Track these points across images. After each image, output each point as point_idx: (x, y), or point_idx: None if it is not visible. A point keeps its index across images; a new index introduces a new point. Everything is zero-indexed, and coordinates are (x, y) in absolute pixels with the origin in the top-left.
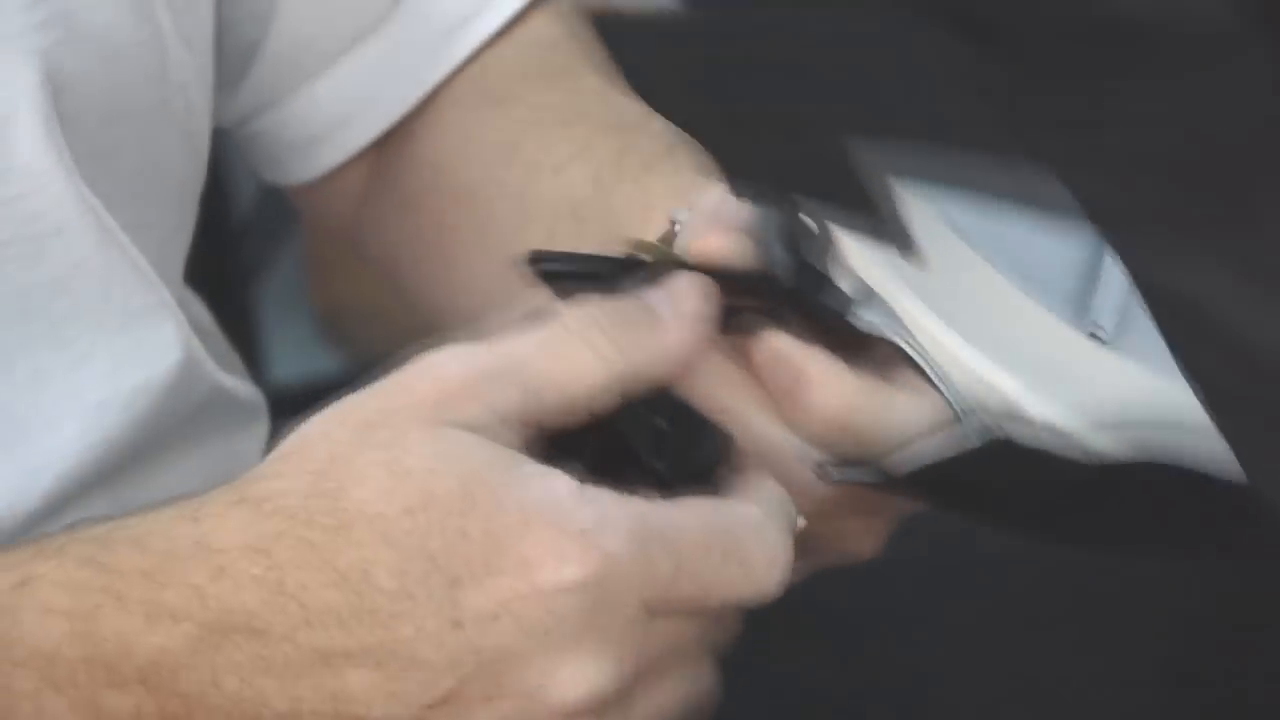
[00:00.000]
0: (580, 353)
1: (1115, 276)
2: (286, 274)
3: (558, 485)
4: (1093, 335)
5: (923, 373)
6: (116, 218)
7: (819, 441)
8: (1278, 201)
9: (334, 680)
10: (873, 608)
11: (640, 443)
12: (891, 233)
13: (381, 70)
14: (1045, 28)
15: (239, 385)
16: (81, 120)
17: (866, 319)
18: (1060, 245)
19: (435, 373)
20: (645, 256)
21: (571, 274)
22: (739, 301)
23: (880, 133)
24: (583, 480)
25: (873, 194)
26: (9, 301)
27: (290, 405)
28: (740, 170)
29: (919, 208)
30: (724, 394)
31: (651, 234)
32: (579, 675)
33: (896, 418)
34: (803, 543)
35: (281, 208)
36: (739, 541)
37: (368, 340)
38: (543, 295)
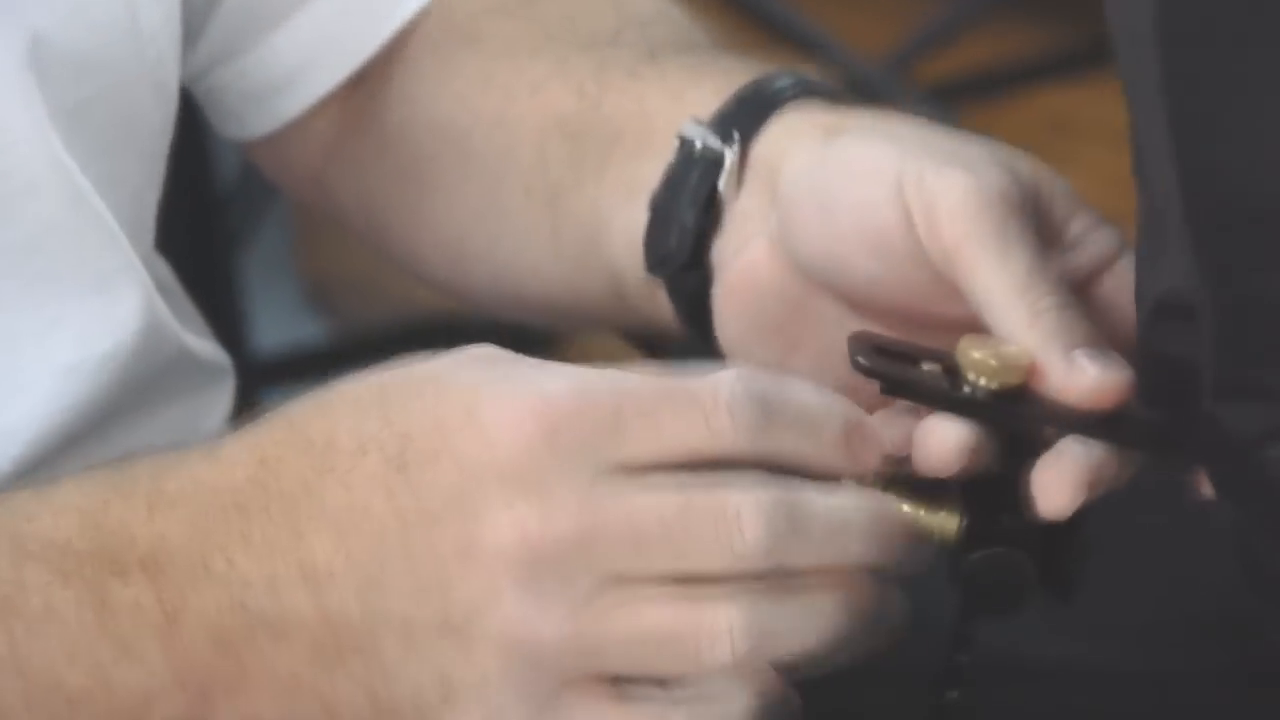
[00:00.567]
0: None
1: None
2: (271, 243)
3: (520, 365)
4: None
5: None
6: (88, 175)
7: None
8: None
9: (300, 548)
10: None
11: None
12: None
13: (340, 18)
14: None
15: (204, 345)
16: (55, 74)
17: None
18: None
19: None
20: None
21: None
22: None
23: None
24: None
25: None
26: None
27: (274, 373)
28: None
29: None
30: None
31: (655, 138)
32: (508, 512)
33: None
34: None
35: (266, 178)
36: (686, 379)
37: (352, 309)
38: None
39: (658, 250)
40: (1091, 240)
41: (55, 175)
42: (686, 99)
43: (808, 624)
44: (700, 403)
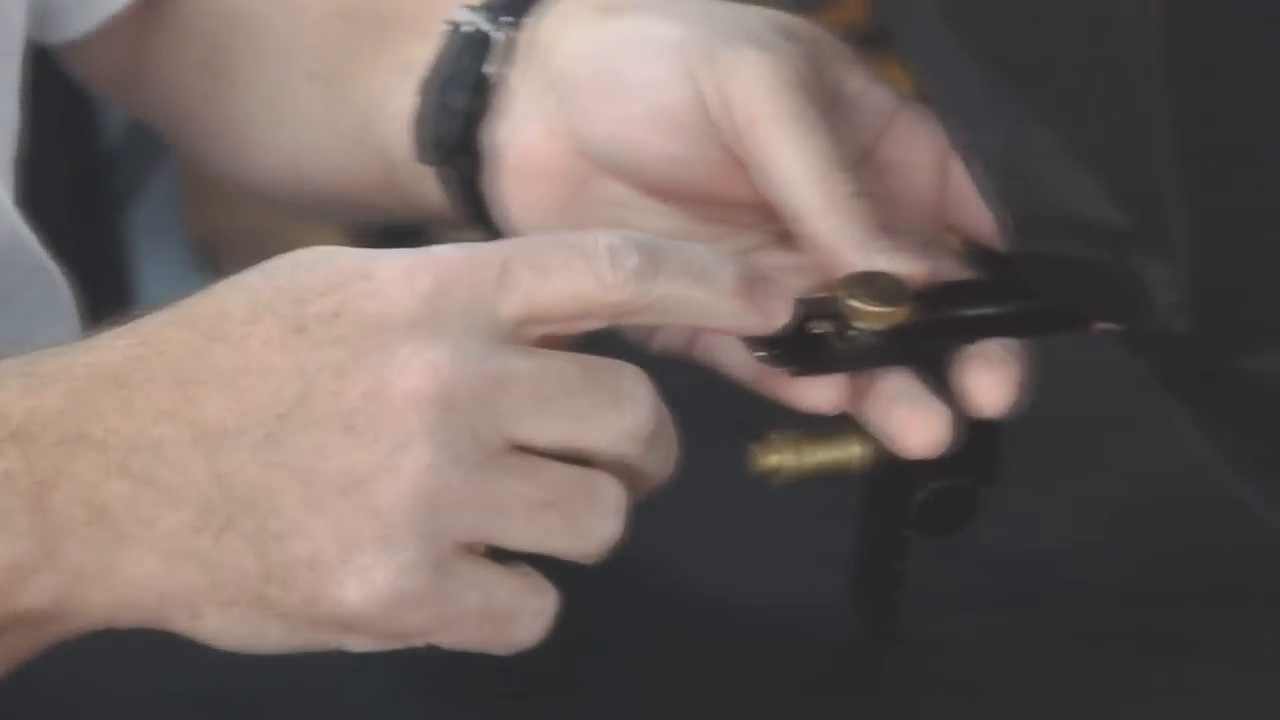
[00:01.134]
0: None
1: None
2: (158, 202)
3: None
4: None
5: None
6: None
7: None
8: None
9: (191, 409)
10: None
11: None
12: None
13: None
14: None
15: (50, 262)
16: None
17: None
18: None
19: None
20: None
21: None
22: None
23: None
24: None
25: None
26: None
27: None
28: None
29: None
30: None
31: (431, 20)
32: (416, 357)
33: None
34: None
35: (152, 136)
36: (569, 234)
37: (241, 266)
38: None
39: (427, 134)
40: (869, 99)
41: None
42: None
43: (664, 469)
44: (585, 250)
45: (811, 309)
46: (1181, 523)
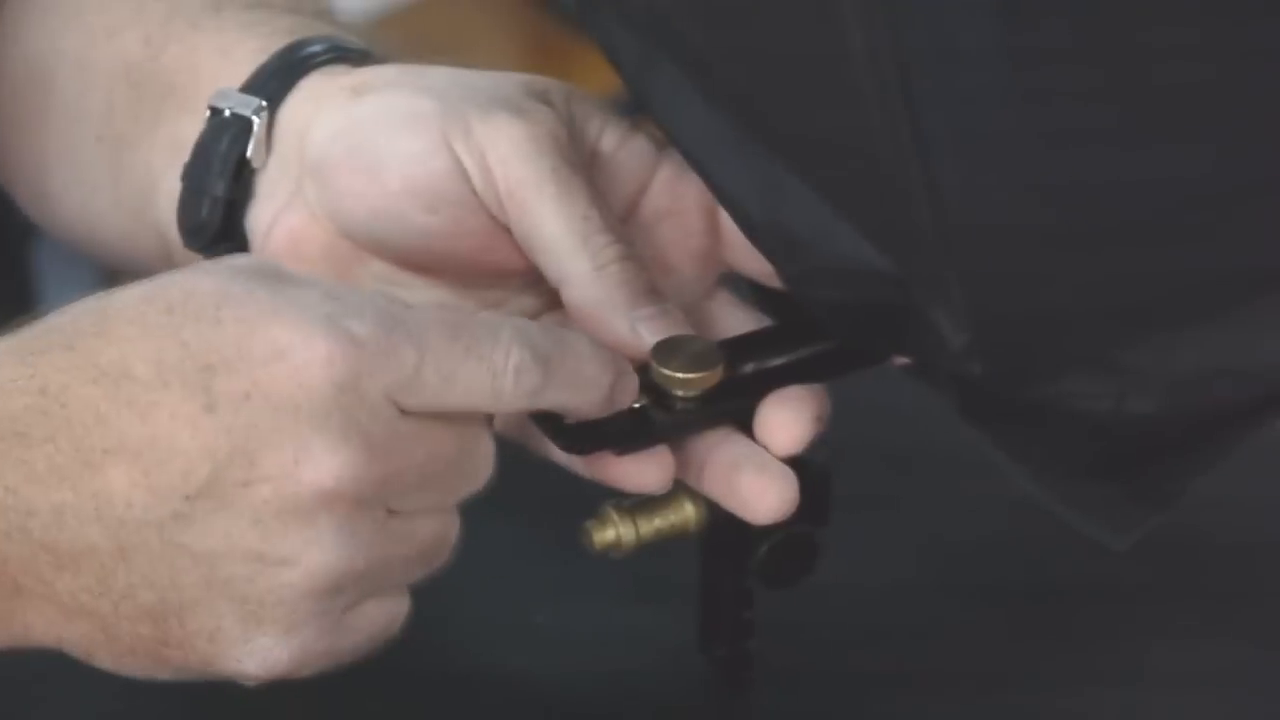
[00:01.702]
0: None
1: None
2: None
3: (309, 289)
4: None
5: None
6: None
7: None
8: None
9: (95, 479)
10: None
11: None
12: None
13: None
14: None
15: None
16: None
17: None
18: None
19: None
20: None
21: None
22: None
23: None
24: None
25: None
26: None
27: None
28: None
29: None
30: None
31: (200, 95)
32: (330, 455)
33: None
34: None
35: None
36: (480, 339)
37: None
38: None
39: (191, 221)
40: (629, 152)
41: None
42: (233, 56)
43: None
44: (493, 367)
45: None
46: (1013, 544)
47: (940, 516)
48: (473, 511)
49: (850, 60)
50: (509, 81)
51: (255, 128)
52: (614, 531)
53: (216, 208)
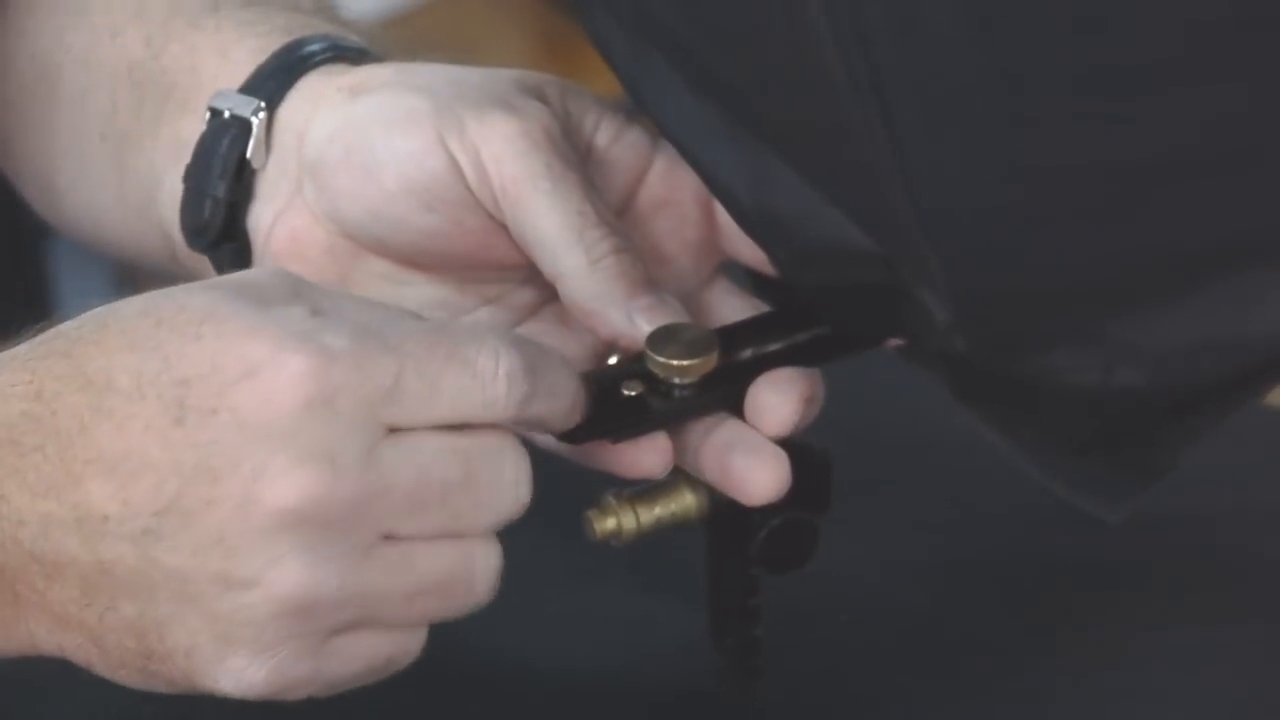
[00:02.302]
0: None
1: None
2: None
3: (296, 307)
4: None
5: None
6: None
7: None
8: None
9: (76, 490)
10: None
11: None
12: None
13: None
14: None
15: None
16: None
17: None
18: None
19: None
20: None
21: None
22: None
23: None
24: None
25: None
26: None
27: None
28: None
29: None
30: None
31: (200, 95)
32: (289, 474)
33: None
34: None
35: None
36: (461, 344)
37: None
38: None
39: (193, 222)
40: (624, 145)
41: None
42: (232, 56)
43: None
44: (480, 375)
45: (622, 372)
46: (1014, 526)
47: (942, 501)
48: None
49: (820, 41)
50: (503, 78)
51: (254, 129)
52: (614, 520)
53: (218, 209)
